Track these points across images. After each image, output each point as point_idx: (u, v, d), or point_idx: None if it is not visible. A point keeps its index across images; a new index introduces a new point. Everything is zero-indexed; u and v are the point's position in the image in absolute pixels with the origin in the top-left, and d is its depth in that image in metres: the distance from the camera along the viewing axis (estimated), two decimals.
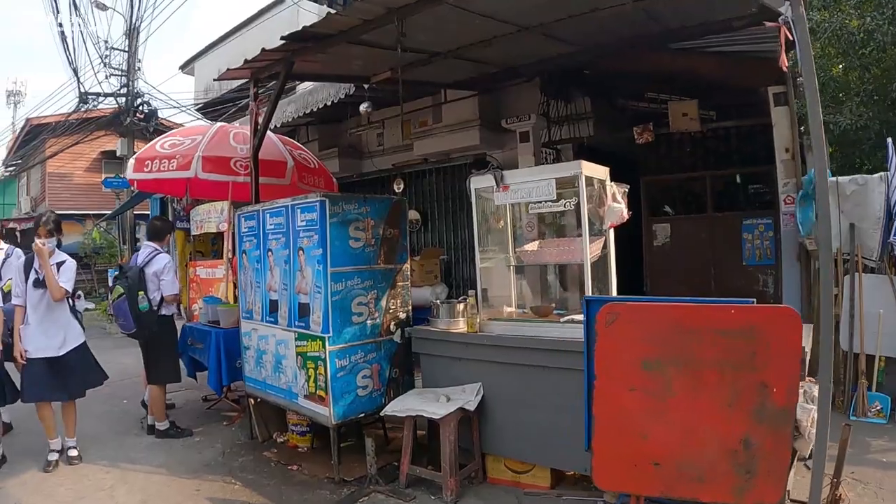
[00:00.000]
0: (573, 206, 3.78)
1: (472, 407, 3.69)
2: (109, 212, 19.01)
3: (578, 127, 6.91)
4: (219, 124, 6.47)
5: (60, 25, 12.82)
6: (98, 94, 16.00)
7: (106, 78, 15.66)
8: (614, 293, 4.03)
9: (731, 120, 6.72)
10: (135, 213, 14.48)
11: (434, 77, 6.11)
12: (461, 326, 4.02)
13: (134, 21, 14.17)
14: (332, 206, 3.85)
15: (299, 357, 4.07)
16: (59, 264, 4.32)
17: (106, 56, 15.12)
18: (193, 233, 8.46)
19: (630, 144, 6.71)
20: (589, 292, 3.61)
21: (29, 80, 36.69)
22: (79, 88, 14.96)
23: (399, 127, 7.99)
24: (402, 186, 8.12)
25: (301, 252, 4.04)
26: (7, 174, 20.02)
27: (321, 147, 8.59)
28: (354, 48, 4.63)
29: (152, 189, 7.02)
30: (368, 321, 4.02)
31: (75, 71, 13.16)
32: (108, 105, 15.35)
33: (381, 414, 3.90)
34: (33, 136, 18.28)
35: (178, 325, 6.00)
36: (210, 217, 7.45)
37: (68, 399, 4.37)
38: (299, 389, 4.11)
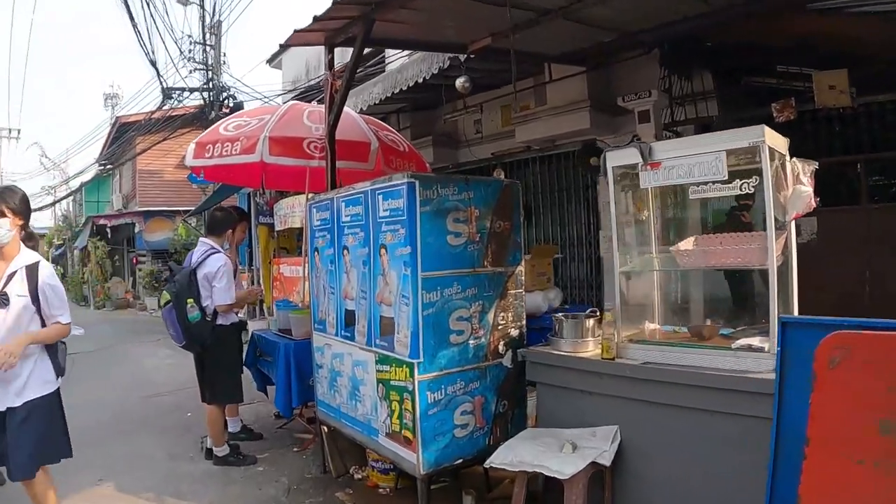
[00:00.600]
0: (752, 188, 2.71)
1: (606, 460, 2.69)
2: (183, 208, 19.32)
3: (701, 106, 5.75)
4: (291, 102, 5.70)
5: (132, 19, 12.70)
6: (181, 90, 16.07)
7: (190, 73, 15.70)
8: (796, 310, 2.89)
9: (890, 93, 5.32)
10: None
11: (539, 47, 5.14)
12: (591, 349, 3.03)
13: (215, 14, 14.05)
14: (423, 189, 2.92)
15: (381, 385, 3.19)
16: (30, 273, 2.76)
17: (189, 51, 15.16)
18: (277, 228, 7.94)
19: (765, 124, 5.43)
20: (774, 308, 2.54)
21: (125, 82, 38.49)
22: (161, 84, 14.99)
23: (498, 112, 7.14)
24: (502, 177, 7.18)
25: (383, 251, 3.14)
26: (101, 172, 20.68)
27: (414, 136, 7.78)
28: (447, 1, 3.78)
29: (223, 178, 6.36)
30: (471, 341, 3.08)
31: (153, 63, 12.90)
32: (195, 100, 15.46)
33: (486, 465, 2.93)
34: (122, 134, 18.75)
35: (259, 325, 5.36)
36: (294, 211, 6.91)
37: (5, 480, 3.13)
38: (380, 425, 3.23)
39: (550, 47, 5.18)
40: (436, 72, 5.41)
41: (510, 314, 3.23)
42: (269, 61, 14.83)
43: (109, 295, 18.54)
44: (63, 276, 29.45)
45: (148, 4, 15.66)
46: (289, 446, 4.64)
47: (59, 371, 2.92)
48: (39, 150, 37.69)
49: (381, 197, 3.16)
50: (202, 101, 14.92)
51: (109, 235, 18.45)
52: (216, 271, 4.04)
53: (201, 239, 4.46)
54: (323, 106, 4.91)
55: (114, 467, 4.22)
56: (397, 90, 5.92)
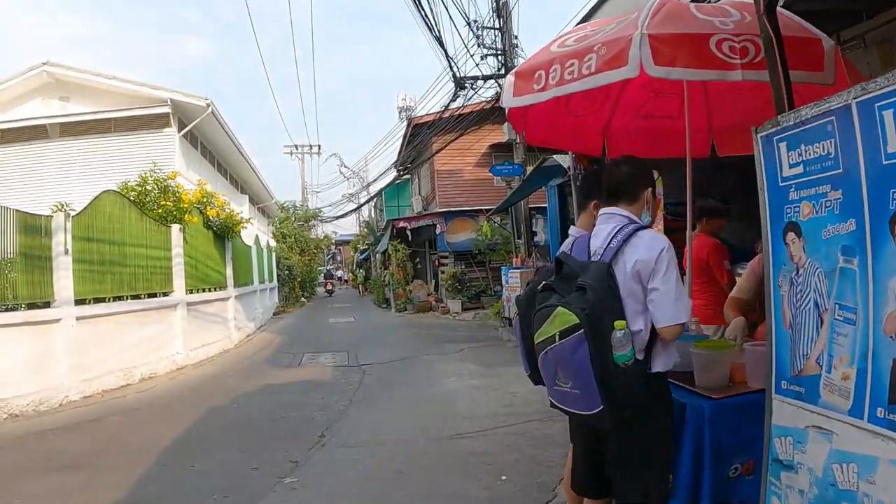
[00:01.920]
0: None
1: None
2: (487, 207, 18.31)
3: None
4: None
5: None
6: (475, 78, 14.89)
7: (482, 59, 14.46)
8: None
9: None
10: (530, 206, 12.71)
11: None
12: None
13: None
14: None
15: None
16: None
17: (478, 35, 13.97)
18: None
19: None
20: None
21: (417, 93, 41.26)
22: (453, 73, 13.97)
23: None
24: None
25: None
26: (399, 177, 21.26)
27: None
28: None
29: (557, 137, 4.01)
30: None
31: (439, 41, 11.50)
32: (489, 88, 14.28)
33: None
34: (416, 137, 18.70)
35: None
36: None
37: None
38: None
39: None
40: None
41: None
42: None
43: (411, 298, 18.59)
44: (366, 280, 32.23)
45: None
46: None
47: None
48: (338, 160, 42.14)
49: None
50: (497, 93, 13.54)
51: (410, 238, 18.49)
52: (657, 260, 2.02)
53: (604, 211, 2.32)
54: None
55: None
56: None
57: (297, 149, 37.53)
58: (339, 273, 46.96)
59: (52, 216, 7.00)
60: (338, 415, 5.79)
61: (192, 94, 17.68)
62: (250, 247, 15.82)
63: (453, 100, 14.29)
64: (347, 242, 45.92)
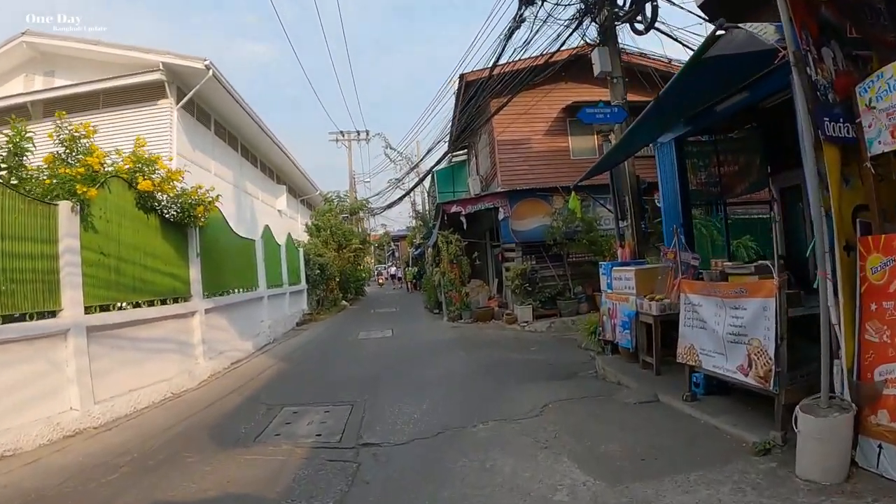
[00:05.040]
0: None
1: None
2: (563, 185, 13.85)
3: None
4: None
5: None
6: None
7: None
8: None
9: None
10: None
11: None
12: None
13: None
14: None
15: None
16: None
17: None
18: None
19: None
20: None
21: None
22: None
23: None
24: None
25: None
26: (452, 151, 17.00)
27: None
28: None
29: None
30: None
31: None
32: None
33: None
34: (470, 100, 14.44)
35: None
36: None
37: None
38: None
39: None
40: None
41: None
42: None
43: (467, 303, 14.42)
44: (417, 276, 28.40)
45: None
46: None
47: None
48: (383, 141, 38.17)
49: None
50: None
51: (465, 226, 14.28)
52: None
53: None
54: None
55: None
56: None
57: (343, 135, 34.14)
58: (393, 270, 43.23)
59: None
60: None
61: (187, 55, 14.18)
62: (252, 241, 12.09)
63: (517, 16, 9.93)
64: (404, 237, 42.30)
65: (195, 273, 8.45)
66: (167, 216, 7.84)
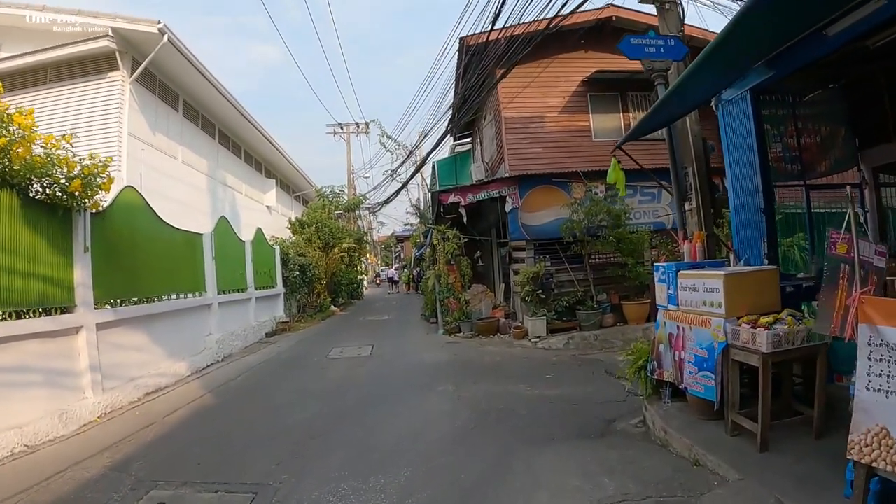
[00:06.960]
0: None
1: None
2: (583, 170, 11.41)
3: None
4: None
5: None
6: None
7: None
8: None
9: None
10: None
11: None
12: None
13: None
14: None
15: None
16: None
17: None
18: None
19: None
20: None
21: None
22: None
23: None
24: None
25: None
26: (452, 127, 14.57)
27: None
28: None
29: None
30: None
31: None
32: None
33: None
34: (473, 69, 12.04)
35: None
36: None
37: None
38: None
39: None
40: None
41: None
42: None
43: (467, 312, 12.02)
44: (413, 279, 26.13)
45: None
46: None
47: None
48: (379, 128, 35.68)
49: None
50: None
51: (465, 220, 11.90)
52: None
53: None
54: None
55: None
56: None
57: (341, 128, 31.78)
58: (391, 273, 40.80)
59: None
60: None
61: (140, 18, 11.92)
62: (196, 234, 9.73)
63: None
64: (408, 237, 39.85)
65: (82, 275, 6.09)
66: (33, 195, 5.52)
